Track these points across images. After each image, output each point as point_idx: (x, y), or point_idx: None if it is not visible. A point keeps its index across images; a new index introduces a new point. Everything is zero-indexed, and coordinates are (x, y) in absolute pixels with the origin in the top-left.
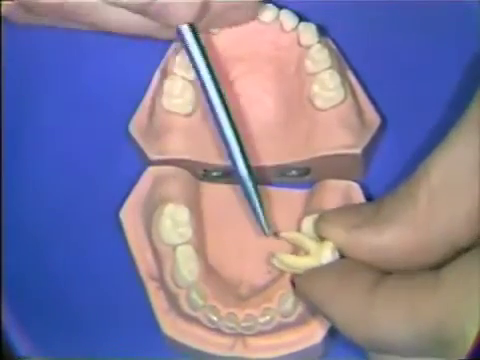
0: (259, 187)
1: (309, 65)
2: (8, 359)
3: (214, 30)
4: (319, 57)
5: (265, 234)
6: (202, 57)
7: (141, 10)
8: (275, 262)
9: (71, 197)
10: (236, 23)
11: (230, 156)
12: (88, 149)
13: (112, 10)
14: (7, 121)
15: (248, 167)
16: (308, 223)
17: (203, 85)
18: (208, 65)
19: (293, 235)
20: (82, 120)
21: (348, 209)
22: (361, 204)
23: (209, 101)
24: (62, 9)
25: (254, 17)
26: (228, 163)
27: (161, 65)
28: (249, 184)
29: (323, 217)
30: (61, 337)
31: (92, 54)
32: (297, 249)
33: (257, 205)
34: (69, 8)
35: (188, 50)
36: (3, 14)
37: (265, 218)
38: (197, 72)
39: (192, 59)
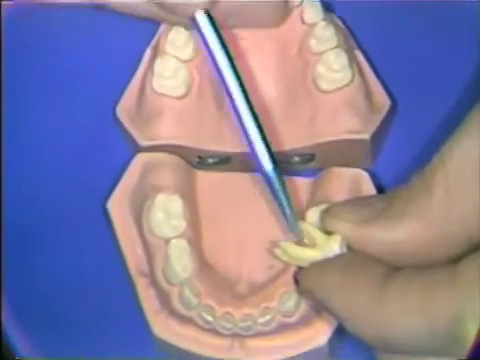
0: (259, 175)
1: (314, 44)
2: (8, 359)
3: (239, 29)
4: (324, 35)
5: (297, 241)
6: (221, 47)
7: None
8: (278, 252)
9: (56, 188)
10: (263, 22)
11: (256, 159)
12: (73, 135)
13: None
14: None
15: (276, 169)
16: (313, 215)
17: (222, 78)
18: (229, 57)
19: (300, 224)
20: (67, 104)
21: (357, 202)
22: (371, 196)
23: (229, 95)
24: None
25: (282, 17)
26: (224, 149)
27: (152, 43)
28: (281, 194)
29: (330, 211)
30: (61, 337)
31: (78, 33)
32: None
33: (288, 211)
34: None
35: (204, 39)
36: None
37: (296, 225)
38: (215, 64)
39: (209, 50)
